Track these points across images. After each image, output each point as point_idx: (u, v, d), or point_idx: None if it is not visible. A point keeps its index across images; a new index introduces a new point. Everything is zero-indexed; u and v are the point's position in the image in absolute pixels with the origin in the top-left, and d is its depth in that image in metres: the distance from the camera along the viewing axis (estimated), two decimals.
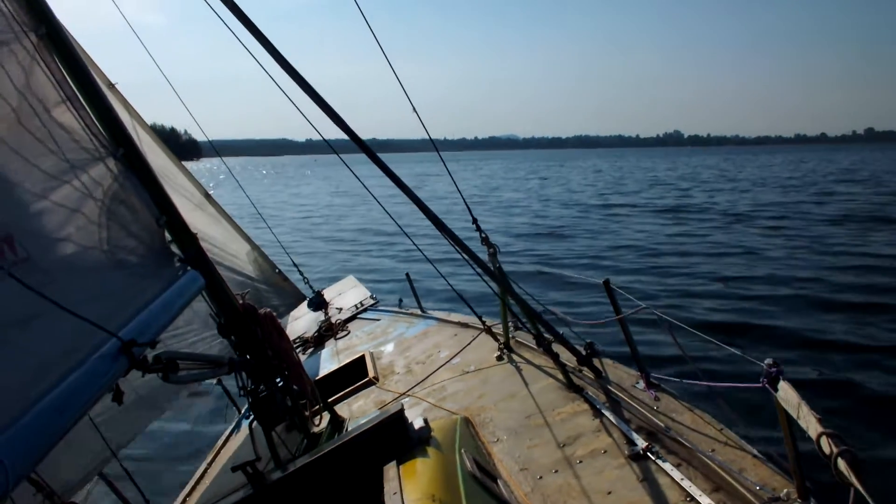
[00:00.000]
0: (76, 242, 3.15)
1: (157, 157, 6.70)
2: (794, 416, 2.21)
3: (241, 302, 3.91)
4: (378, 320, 7.57)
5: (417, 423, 2.97)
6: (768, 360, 2.38)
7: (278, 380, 3.99)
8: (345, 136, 3.93)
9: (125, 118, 6.16)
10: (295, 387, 4.21)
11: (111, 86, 6.37)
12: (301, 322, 8.84)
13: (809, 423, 2.10)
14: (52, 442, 1.99)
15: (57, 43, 3.34)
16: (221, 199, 7.94)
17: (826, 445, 1.96)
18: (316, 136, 4.25)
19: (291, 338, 8.45)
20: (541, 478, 3.27)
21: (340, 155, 4.45)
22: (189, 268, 3.65)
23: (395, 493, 2.43)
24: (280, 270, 8.60)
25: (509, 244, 22.14)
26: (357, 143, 3.92)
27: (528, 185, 62.78)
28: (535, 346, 4.67)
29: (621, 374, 4.15)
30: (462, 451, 3.05)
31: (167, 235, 3.68)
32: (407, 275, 7.55)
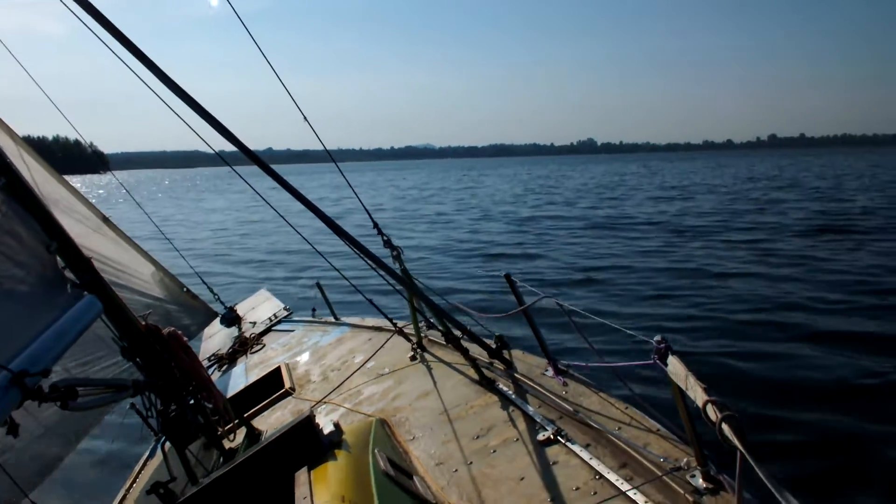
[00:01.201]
0: None
1: (49, 185, 6.48)
2: (683, 387, 2.37)
3: (143, 323, 3.86)
4: (293, 331, 7.54)
5: (327, 428, 3.02)
6: (657, 337, 2.54)
7: (189, 398, 3.96)
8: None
9: (9, 146, 5.97)
10: (207, 404, 4.19)
11: None
12: (215, 339, 8.71)
13: (696, 392, 2.25)
14: None
15: None
16: (125, 215, 7.73)
17: (711, 412, 2.11)
18: (229, 148, 4.17)
19: (206, 355, 8.34)
20: (456, 471, 3.37)
21: (236, 167, 4.42)
22: (85, 293, 3.59)
23: (304, 498, 2.47)
24: (188, 289, 8.44)
25: (465, 269, 19.53)
26: (248, 155, 3.92)
27: (455, 195, 58.71)
28: (447, 344, 4.77)
29: (531, 364, 4.30)
30: (376, 451, 3.11)
31: (59, 262, 3.60)
32: (318, 283, 7.55)
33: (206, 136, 3.96)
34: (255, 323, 8.46)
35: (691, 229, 26.06)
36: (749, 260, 18.57)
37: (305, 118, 4.22)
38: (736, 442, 1.91)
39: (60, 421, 5.06)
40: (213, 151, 4.06)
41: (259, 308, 9.04)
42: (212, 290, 8.73)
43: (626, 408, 3.41)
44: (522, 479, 3.10)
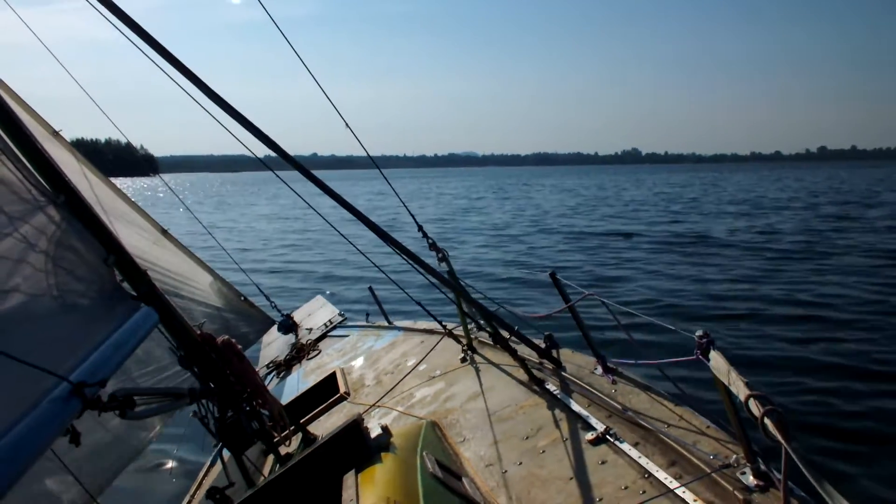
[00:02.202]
0: (24, 292, 3.19)
1: (111, 199, 6.69)
2: (726, 382, 2.33)
3: (198, 332, 3.96)
4: (347, 336, 7.64)
5: (375, 432, 3.05)
6: (699, 332, 2.50)
7: (245, 405, 4.05)
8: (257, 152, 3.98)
9: (72, 164, 6.19)
10: (263, 411, 4.27)
11: (56, 133, 6.35)
12: (273, 346, 8.88)
13: (738, 387, 2.22)
14: (5, 488, 2.04)
15: None
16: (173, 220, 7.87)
17: (754, 407, 2.07)
18: (274, 154, 4.24)
19: (264, 362, 8.51)
20: (506, 472, 3.37)
21: (282, 173, 4.46)
22: (142, 305, 3.70)
23: (351, 501, 2.51)
24: (245, 297, 8.62)
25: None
26: (290, 163, 3.99)
27: (507, 205, 56.72)
28: (495, 345, 4.77)
29: (579, 363, 4.27)
30: (424, 453, 3.13)
31: (117, 275, 3.73)
32: (370, 288, 7.63)
33: (251, 143, 4.04)
34: (311, 329, 8.60)
35: (790, 251, 22.99)
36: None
37: (347, 125, 4.28)
38: (779, 437, 1.87)
39: (127, 428, 5.24)
40: (258, 158, 4.12)
41: (315, 314, 9.18)
42: (268, 298, 8.91)
43: (676, 405, 3.37)
44: (571, 478, 3.09)
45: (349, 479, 2.76)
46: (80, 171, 6.26)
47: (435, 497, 2.72)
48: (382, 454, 2.96)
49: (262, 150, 4.16)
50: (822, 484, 1.74)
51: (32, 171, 3.50)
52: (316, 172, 3.95)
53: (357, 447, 2.98)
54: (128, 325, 3.35)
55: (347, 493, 2.60)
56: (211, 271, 8.13)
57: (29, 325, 3.08)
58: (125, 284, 3.76)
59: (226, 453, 4.06)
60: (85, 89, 6.32)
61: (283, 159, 3.97)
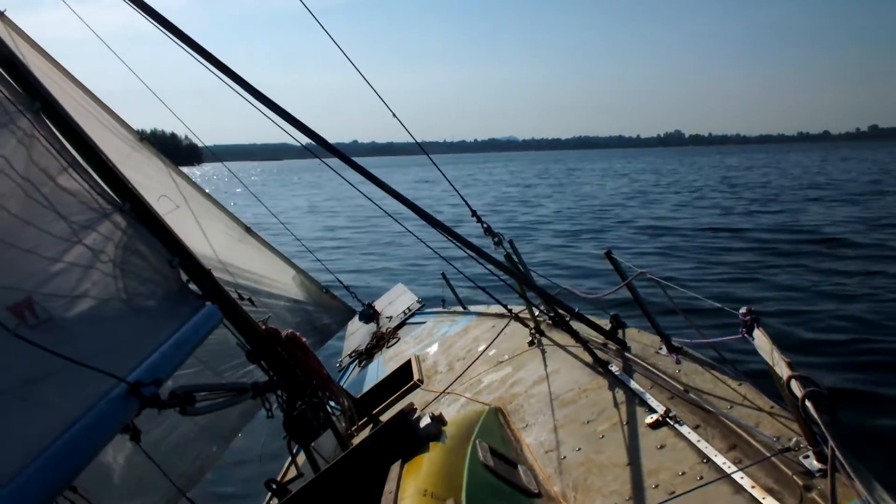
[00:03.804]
0: (94, 297, 3.38)
1: (196, 201, 6.94)
2: (769, 361, 2.22)
3: (263, 327, 4.08)
4: (424, 323, 7.71)
5: (424, 422, 3.07)
6: (742, 309, 2.39)
7: (310, 398, 4.15)
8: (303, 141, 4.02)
9: (160, 168, 6.45)
10: (331, 402, 4.38)
11: (142, 139, 6.60)
12: (355, 336, 9.07)
13: (781, 367, 2.11)
14: (59, 486, 2.17)
15: (52, 115, 3.58)
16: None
17: (796, 388, 1.97)
18: (308, 141, 4.25)
19: (347, 352, 8.71)
20: (564, 458, 3.33)
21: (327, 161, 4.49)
22: (207, 303, 3.85)
23: (389, 493, 2.54)
24: (327, 289, 8.81)
25: None
26: (333, 152, 4.03)
27: (564, 193, 50.45)
28: (564, 328, 4.71)
29: (645, 343, 4.16)
30: (477, 442, 3.13)
31: (183, 276, 3.89)
32: (443, 275, 7.67)
33: (295, 132, 4.10)
34: (391, 317, 8.72)
35: None
36: None
37: (394, 115, 4.29)
38: (819, 420, 1.76)
39: (213, 422, 5.48)
40: (304, 147, 4.18)
41: (395, 302, 9.31)
42: (348, 289, 9.07)
43: (739, 384, 3.24)
44: (628, 464, 3.02)
45: (394, 470, 2.79)
46: (169, 174, 6.54)
47: (481, 487, 2.71)
48: (431, 444, 2.97)
49: (305, 139, 4.21)
50: (862, 474, 1.63)
51: (98, 180, 3.69)
52: (358, 160, 3.96)
53: (405, 438, 3.01)
54: (190, 323, 3.49)
55: (389, 485, 2.63)
56: (293, 265, 8.34)
57: (98, 328, 3.26)
58: (191, 285, 3.91)
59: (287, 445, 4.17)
60: (146, 83, 6.55)
61: (326, 150, 4.02)
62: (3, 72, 3.45)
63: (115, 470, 4.21)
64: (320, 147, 4.10)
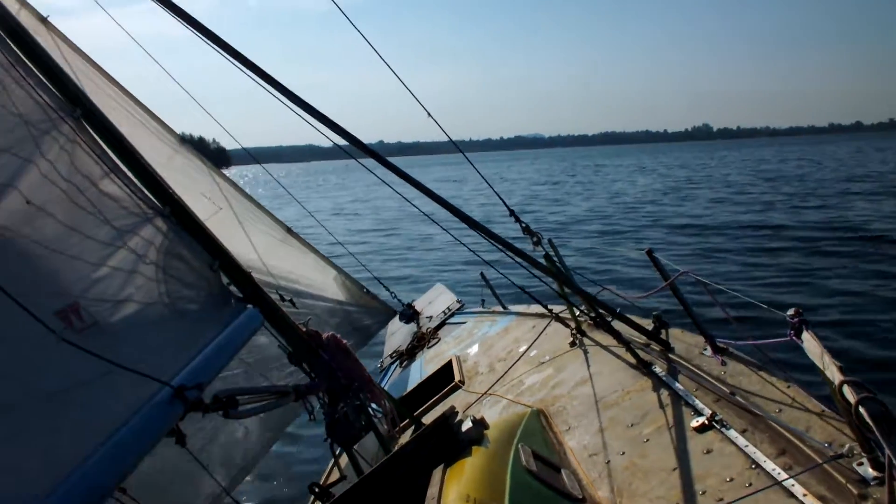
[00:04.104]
0: (137, 301, 3.41)
1: (238, 203, 6.99)
2: (820, 366, 2.13)
3: (303, 329, 4.08)
4: (464, 323, 7.66)
5: (466, 425, 3.02)
6: (790, 311, 2.30)
7: (352, 400, 4.13)
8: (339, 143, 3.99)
9: (202, 169, 6.50)
10: (373, 404, 4.35)
11: (182, 141, 6.66)
12: (396, 336, 9.06)
13: (832, 371, 2.03)
14: (107, 489, 2.17)
15: (93, 121, 3.62)
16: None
17: (848, 394, 1.89)
18: (342, 142, 4.22)
19: (388, 352, 8.70)
20: (608, 462, 3.25)
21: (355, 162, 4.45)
22: (248, 306, 3.86)
23: (432, 498, 2.49)
24: (367, 289, 8.81)
25: None
26: (366, 152, 3.99)
27: (595, 191, 47.76)
28: (606, 329, 4.62)
29: (689, 343, 4.05)
30: (520, 446, 3.07)
31: (224, 279, 3.90)
32: (482, 274, 7.61)
33: (326, 133, 4.07)
34: (431, 317, 8.68)
35: None
36: None
37: (430, 114, 4.25)
38: (874, 426, 1.67)
39: (256, 423, 5.51)
40: (339, 147, 4.15)
41: (435, 302, 9.27)
42: (389, 290, 9.06)
43: (788, 387, 3.12)
44: (674, 469, 2.93)
45: (437, 474, 2.74)
46: (211, 177, 6.60)
47: (524, 491, 2.65)
48: (473, 448, 2.92)
49: (339, 140, 4.18)
50: None
51: (139, 185, 3.72)
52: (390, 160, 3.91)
53: (447, 442, 2.96)
54: (232, 327, 3.49)
55: (431, 490, 2.59)
56: (334, 265, 8.36)
57: (142, 331, 3.28)
58: (231, 287, 3.92)
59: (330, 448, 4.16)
60: (185, 88, 6.59)
61: (360, 150, 3.99)
62: (45, 79, 3.49)
63: (161, 470, 4.25)
64: (354, 148, 4.06)
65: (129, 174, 3.70)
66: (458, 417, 3.09)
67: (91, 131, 3.60)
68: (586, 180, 63.77)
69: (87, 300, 3.06)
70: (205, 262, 3.78)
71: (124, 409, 2.58)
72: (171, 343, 3.26)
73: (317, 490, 3.23)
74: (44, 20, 4.75)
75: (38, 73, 3.47)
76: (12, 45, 3.39)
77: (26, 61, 3.44)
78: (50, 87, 3.49)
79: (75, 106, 3.56)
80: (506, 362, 5.42)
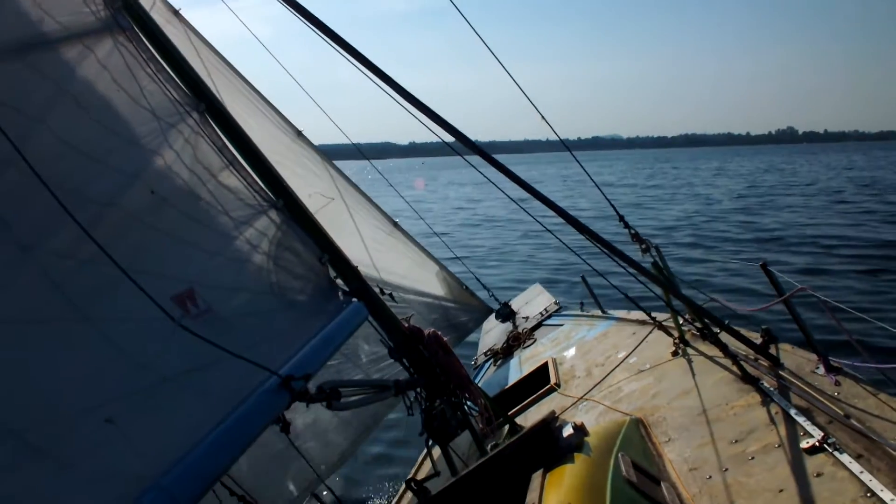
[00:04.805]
0: (250, 290, 3.54)
1: (349, 195, 7.12)
2: None
3: (406, 325, 4.12)
4: (562, 325, 7.56)
5: (567, 431, 2.98)
6: None
7: (450, 397, 4.15)
8: (445, 139, 3.99)
9: (317, 160, 6.68)
10: (469, 403, 4.36)
11: (299, 134, 6.83)
12: (491, 334, 9.04)
13: None
14: (218, 473, 2.26)
15: (215, 115, 3.78)
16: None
17: None
18: (418, 139, 4.18)
19: (483, 350, 8.70)
20: (710, 477, 3.13)
21: (447, 158, 4.45)
22: (353, 300, 3.93)
23: (533, 502, 2.46)
24: (467, 286, 8.82)
25: None
26: (471, 148, 3.96)
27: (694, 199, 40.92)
28: (712, 340, 4.45)
29: (800, 360, 3.84)
30: (619, 455, 3.00)
31: (331, 272, 3.99)
32: (583, 277, 7.48)
33: (417, 128, 4.05)
34: (527, 317, 8.62)
35: None
36: None
37: (543, 117, 4.21)
38: None
39: (352, 415, 5.63)
40: (445, 143, 4.14)
41: (532, 303, 9.19)
42: (486, 288, 9.06)
43: None
44: (781, 491, 2.79)
45: (536, 479, 2.72)
46: (324, 167, 6.78)
47: (624, 502, 2.59)
48: (574, 454, 2.88)
49: (407, 138, 4.17)
50: None
51: (255, 178, 3.85)
52: (448, 159, 3.86)
53: (547, 447, 2.93)
54: (338, 320, 3.57)
55: (531, 495, 2.57)
56: (437, 261, 8.42)
57: (253, 320, 3.40)
58: (338, 281, 4.01)
59: (432, 444, 4.19)
60: (298, 82, 6.73)
61: (466, 146, 3.97)
62: (174, 75, 3.67)
63: (261, 456, 4.40)
64: (463, 145, 4.06)
65: (247, 167, 3.84)
66: (559, 423, 3.05)
67: (213, 125, 3.76)
68: (669, 184, 59.14)
69: (202, 287, 3.19)
70: (314, 254, 3.88)
71: (234, 396, 2.68)
72: (278, 333, 3.36)
73: (414, 486, 3.26)
74: (176, 13, 4.99)
75: (168, 69, 3.65)
76: (147, 43, 3.58)
77: (158, 57, 3.63)
78: (178, 82, 3.66)
79: (199, 100, 3.73)
80: (604, 368, 5.32)
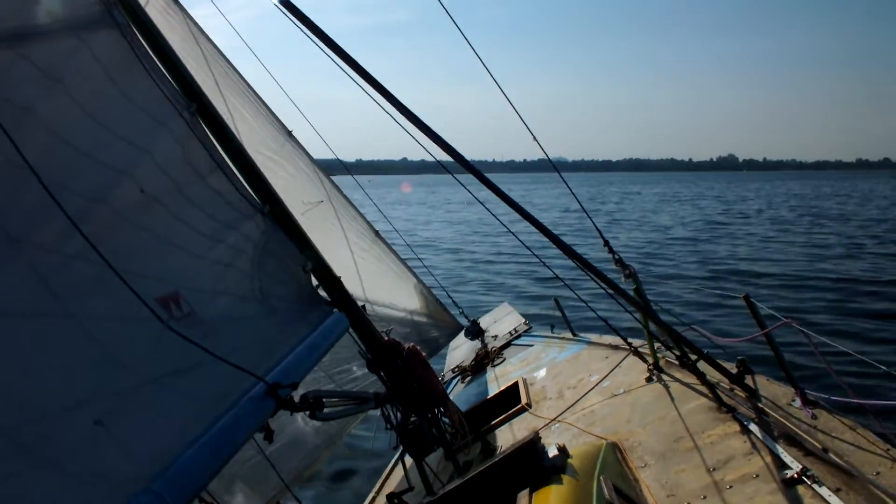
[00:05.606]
0: (233, 295, 3.48)
1: (336, 198, 7.08)
2: None
3: (386, 338, 4.10)
4: (531, 346, 7.56)
5: (552, 452, 2.98)
6: None
7: (427, 412, 4.13)
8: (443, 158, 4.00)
9: (307, 162, 6.64)
10: (444, 419, 4.34)
11: (289, 134, 6.76)
12: (459, 351, 9.01)
13: None
14: (207, 478, 2.21)
15: (206, 116, 3.74)
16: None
17: None
18: (412, 157, 4.14)
19: (450, 367, 8.66)
20: None
21: (447, 176, 4.41)
22: (335, 310, 3.90)
23: None
24: (441, 303, 8.79)
25: None
26: (464, 166, 3.98)
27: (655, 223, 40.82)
28: (689, 368, 4.50)
29: (776, 392, 3.91)
30: (601, 478, 3.01)
31: (314, 281, 3.95)
32: (555, 299, 7.51)
33: (414, 147, 4.05)
34: (496, 336, 8.62)
35: None
36: None
37: (535, 138, 4.24)
38: None
39: (317, 427, 5.56)
40: (439, 163, 4.14)
41: (501, 321, 9.19)
42: (456, 304, 9.04)
43: (888, 449, 2.96)
44: None
45: (523, 498, 2.71)
46: (315, 173, 6.74)
47: None
48: (560, 476, 2.88)
49: (418, 155, 4.18)
50: None
51: (243, 182, 3.81)
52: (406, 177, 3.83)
53: (532, 467, 2.93)
54: (321, 329, 3.53)
55: None
56: (414, 274, 8.38)
57: (235, 325, 3.35)
58: (320, 290, 3.97)
59: (407, 458, 4.16)
60: (290, 96, 6.71)
61: (460, 164, 3.98)
62: (167, 73, 3.62)
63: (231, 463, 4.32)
64: (458, 164, 4.07)
65: (235, 170, 3.80)
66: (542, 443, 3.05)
67: (204, 126, 3.72)
68: (617, 209, 57.94)
69: (187, 289, 3.13)
70: (298, 262, 3.85)
71: (219, 401, 2.63)
72: (261, 339, 3.32)
73: (396, 501, 3.23)
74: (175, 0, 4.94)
75: (161, 67, 3.61)
76: (141, 39, 3.53)
77: (151, 54, 3.58)
78: (171, 80, 3.61)
79: (192, 101, 3.68)
80: (576, 390, 5.34)
